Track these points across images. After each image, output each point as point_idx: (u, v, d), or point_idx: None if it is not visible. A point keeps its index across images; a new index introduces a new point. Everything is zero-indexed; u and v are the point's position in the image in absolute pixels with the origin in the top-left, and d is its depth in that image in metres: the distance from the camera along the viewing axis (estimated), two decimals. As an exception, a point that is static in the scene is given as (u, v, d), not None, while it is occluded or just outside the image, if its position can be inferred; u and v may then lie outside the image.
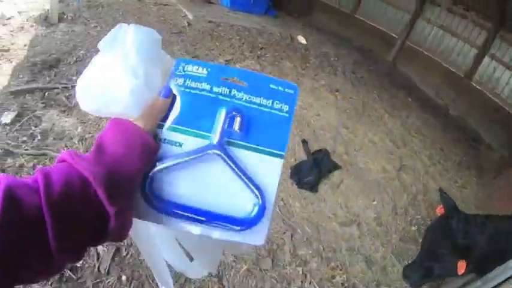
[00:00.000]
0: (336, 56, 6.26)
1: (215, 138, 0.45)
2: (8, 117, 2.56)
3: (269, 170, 0.47)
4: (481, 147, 5.36)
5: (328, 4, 8.92)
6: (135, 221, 0.44)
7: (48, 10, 4.23)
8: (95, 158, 0.39)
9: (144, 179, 0.44)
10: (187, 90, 0.47)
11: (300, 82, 4.53)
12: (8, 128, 2.50)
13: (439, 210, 2.33)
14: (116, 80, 0.43)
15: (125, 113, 0.44)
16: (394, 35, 7.72)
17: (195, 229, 0.45)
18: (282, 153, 0.47)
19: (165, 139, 0.46)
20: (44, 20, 4.19)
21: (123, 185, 0.39)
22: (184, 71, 0.48)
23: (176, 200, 0.45)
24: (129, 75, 0.44)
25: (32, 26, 3.99)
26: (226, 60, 4.38)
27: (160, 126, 0.46)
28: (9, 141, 2.40)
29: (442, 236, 2.15)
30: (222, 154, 0.45)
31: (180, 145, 0.46)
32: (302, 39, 6.40)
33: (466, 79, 6.42)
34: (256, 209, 0.46)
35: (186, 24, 5.56)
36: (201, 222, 0.45)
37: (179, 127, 0.46)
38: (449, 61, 6.82)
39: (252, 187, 0.45)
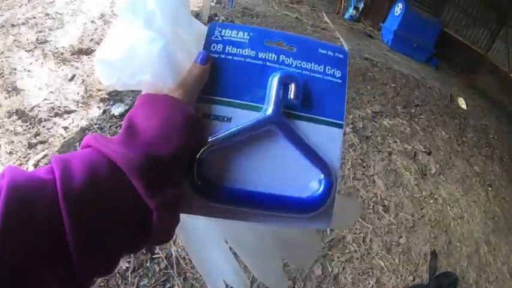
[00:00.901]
0: (496, 133, 5.32)
1: (270, 109, 0.42)
2: (118, 110, 2.44)
3: (330, 142, 0.43)
4: None
5: (498, 66, 7.77)
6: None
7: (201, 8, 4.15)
8: (125, 139, 0.32)
9: (191, 163, 0.38)
10: (229, 57, 0.43)
11: (452, 163, 3.82)
12: (115, 120, 2.39)
13: None
14: (140, 42, 0.36)
15: (155, 82, 0.38)
16: None
17: (257, 219, 0.40)
18: (341, 122, 0.44)
19: (209, 114, 0.41)
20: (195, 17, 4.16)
21: (165, 170, 0.32)
22: (222, 37, 0.43)
23: (230, 184, 0.40)
24: (155, 34, 0.37)
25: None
26: (374, 112, 3.90)
27: (203, 100, 0.41)
28: (113, 134, 2.26)
29: None
30: (280, 127, 0.41)
31: (229, 120, 0.41)
32: (462, 103, 5.54)
33: None
34: (322, 187, 0.42)
35: (338, 56, 5.18)
36: (264, 208, 0.40)
37: (225, 99, 0.42)
38: None
39: (317, 160, 0.42)
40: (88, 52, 2.92)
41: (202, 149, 0.39)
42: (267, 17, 5.32)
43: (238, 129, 0.40)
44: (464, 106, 5.52)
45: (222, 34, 0.43)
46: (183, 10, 0.41)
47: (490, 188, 3.89)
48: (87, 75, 2.65)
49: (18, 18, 3.25)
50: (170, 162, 0.33)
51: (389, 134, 3.63)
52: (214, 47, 0.43)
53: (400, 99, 4.56)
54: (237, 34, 0.43)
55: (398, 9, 6.79)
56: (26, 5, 3.94)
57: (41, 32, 3.09)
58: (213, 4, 4.40)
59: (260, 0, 6.18)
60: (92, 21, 3.53)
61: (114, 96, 2.55)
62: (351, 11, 7.30)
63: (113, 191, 0.29)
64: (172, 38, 0.38)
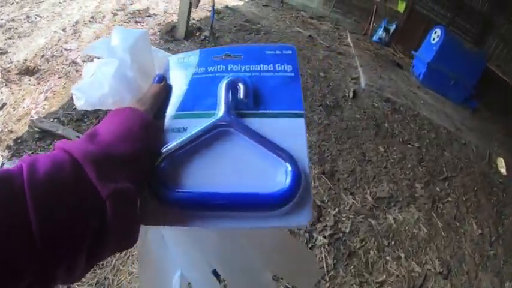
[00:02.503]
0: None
1: (220, 112, 0.42)
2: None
3: (293, 133, 0.41)
4: None
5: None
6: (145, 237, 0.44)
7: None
8: (86, 139, 0.35)
9: (154, 172, 0.38)
10: (182, 78, 0.46)
11: (484, 272, 2.55)
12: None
13: None
14: (100, 66, 0.43)
15: (115, 100, 0.42)
16: None
17: (222, 222, 0.37)
18: (301, 111, 0.42)
19: (168, 129, 0.42)
20: (169, 31, 3.71)
21: (119, 164, 0.34)
22: (176, 63, 0.47)
23: (193, 189, 0.38)
24: (113, 60, 0.43)
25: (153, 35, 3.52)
26: (377, 198, 2.73)
27: (162, 118, 0.43)
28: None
29: None
30: (234, 126, 0.41)
31: (185, 129, 0.42)
32: (502, 166, 4.30)
33: None
34: (289, 178, 0.38)
35: (348, 95, 3.95)
36: (227, 209, 0.37)
37: (180, 112, 0.43)
38: None
39: (279, 152, 0.39)
40: (33, 72, 2.83)
41: (160, 158, 0.39)
42: (271, 33, 4.32)
43: (191, 135, 0.40)
44: (504, 170, 4.32)
45: (177, 61, 0.48)
46: (143, 43, 0.45)
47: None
48: (14, 107, 2.50)
49: (1, 19, 3.29)
50: (124, 158, 0.35)
51: (393, 241, 2.42)
52: (171, 74, 0.47)
53: (423, 172, 3.31)
54: (188, 59, 0.47)
55: (435, 36, 5.46)
56: (16, 3, 3.66)
57: (10, 38, 3.11)
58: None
59: (271, 13, 5.20)
60: (63, 29, 3.42)
61: (19, 145, 2.21)
62: (380, 33, 6.15)
63: (73, 182, 0.30)
64: (130, 63, 0.43)
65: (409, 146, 3.59)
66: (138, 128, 0.37)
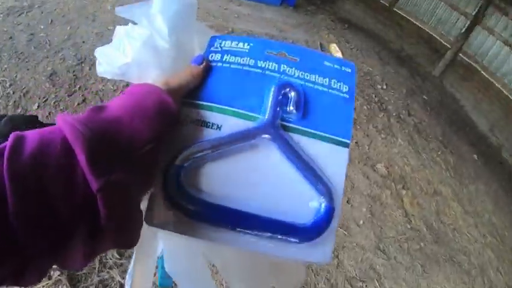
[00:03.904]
0: (383, 78, 4.35)
1: (265, 118, 0.37)
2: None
3: (334, 161, 0.37)
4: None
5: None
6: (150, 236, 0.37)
7: None
8: (89, 114, 0.29)
9: (169, 170, 0.33)
10: (226, 65, 0.39)
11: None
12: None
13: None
14: (129, 33, 0.37)
15: (142, 75, 0.37)
16: (443, 42, 5.91)
17: (238, 241, 0.34)
18: (347, 141, 0.38)
19: (198, 120, 0.36)
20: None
21: (117, 150, 0.28)
22: (221, 47, 0.41)
23: (214, 200, 0.34)
24: (145, 30, 0.37)
25: None
26: None
27: (193, 106, 0.37)
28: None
29: None
30: (276, 138, 0.36)
31: (219, 127, 0.36)
32: (337, 51, 4.36)
33: None
34: (322, 212, 0.35)
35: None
36: (249, 231, 0.33)
37: (216, 105, 0.37)
38: (511, 89, 5.25)
39: (318, 182, 0.35)
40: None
41: (182, 155, 0.34)
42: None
43: (226, 137, 0.35)
44: (339, 54, 4.42)
45: (222, 45, 0.41)
46: (188, 16, 0.40)
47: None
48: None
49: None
50: (128, 145, 0.29)
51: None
52: (212, 56, 0.40)
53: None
54: (237, 44, 0.41)
55: None
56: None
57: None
58: None
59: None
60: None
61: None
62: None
63: (60, 167, 0.26)
64: (167, 34, 0.37)
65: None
66: (152, 109, 0.31)
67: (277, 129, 0.36)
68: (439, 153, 3.74)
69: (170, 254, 0.41)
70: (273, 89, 0.38)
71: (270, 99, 0.37)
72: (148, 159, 0.31)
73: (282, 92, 0.38)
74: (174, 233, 0.34)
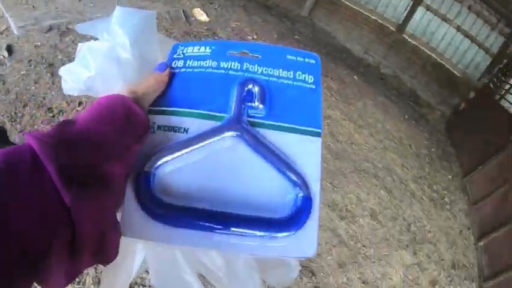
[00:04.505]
0: (252, 29, 4.38)
1: (231, 116, 0.36)
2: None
3: (307, 152, 0.36)
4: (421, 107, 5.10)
5: None
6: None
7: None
8: (56, 129, 0.29)
9: (139, 178, 0.33)
10: (189, 70, 0.39)
11: None
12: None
13: None
14: (91, 46, 0.38)
15: (107, 87, 0.36)
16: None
17: (217, 243, 0.32)
18: (318, 130, 0.38)
19: (165, 126, 0.36)
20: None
21: (90, 162, 0.28)
22: (183, 54, 0.41)
23: (187, 203, 0.33)
24: (106, 42, 0.38)
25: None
26: None
27: (159, 112, 0.37)
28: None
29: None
30: (244, 135, 0.35)
31: (186, 131, 0.36)
32: (201, 14, 4.23)
33: (398, 33, 5.66)
34: (299, 204, 0.34)
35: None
36: (226, 231, 0.32)
37: (182, 109, 0.37)
38: (377, 13, 5.68)
39: (291, 174, 0.34)
40: None
41: (151, 161, 0.33)
42: None
43: (193, 137, 0.35)
44: (205, 17, 4.36)
45: (184, 52, 0.41)
46: (148, 26, 0.40)
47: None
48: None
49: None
50: (96, 154, 0.28)
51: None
52: (175, 63, 0.40)
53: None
54: (199, 49, 0.41)
55: None
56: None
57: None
58: None
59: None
60: None
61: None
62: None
63: (31, 181, 0.25)
64: (128, 46, 0.37)
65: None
66: (121, 118, 0.31)
67: (244, 125, 0.36)
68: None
69: (154, 267, 0.39)
70: (236, 87, 0.38)
71: (234, 96, 0.37)
72: (120, 168, 0.30)
73: (245, 88, 0.38)
74: (152, 242, 0.34)
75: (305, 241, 0.34)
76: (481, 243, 3.26)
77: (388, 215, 2.87)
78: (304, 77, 0.40)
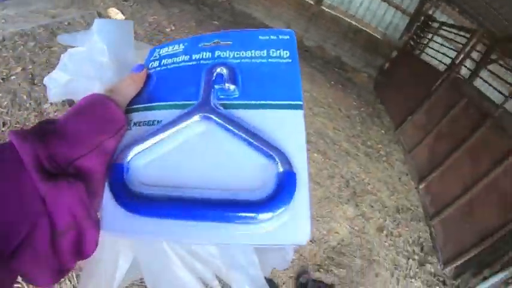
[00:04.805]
0: (169, 21, 4.20)
1: (200, 99, 0.35)
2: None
3: (288, 127, 0.33)
4: (347, 72, 5.19)
5: None
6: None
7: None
8: (36, 126, 0.30)
9: (113, 171, 0.32)
10: (164, 68, 0.40)
11: None
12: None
13: None
14: (71, 53, 0.40)
15: (87, 89, 0.36)
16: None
17: (198, 234, 0.30)
18: (299, 102, 0.35)
19: (140, 121, 0.36)
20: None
21: (67, 155, 0.29)
22: (159, 55, 0.41)
23: (162, 192, 0.31)
24: (85, 49, 0.40)
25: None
26: None
27: (135, 110, 0.37)
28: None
29: None
30: (213, 115, 0.33)
31: (159, 122, 0.35)
32: (116, 13, 3.88)
33: (317, 5, 5.81)
34: (279, 181, 0.30)
35: None
36: (205, 219, 0.30)
37: (155, 104, 0.36)
38: None
39: (268, 150, 0.31)
40: None
41: (123, 153, 0.33)
42: None
43: (163, 125, 0.34)
44: (120, 15, 4.08)
45: (160, 53, 0.41)
46: (125, 34, 0.41)
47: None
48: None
49: None
50: (73, 149, 0.29)
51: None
52: (152, 65, 0.41)
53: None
54: (173, 48, 0.41)
55: None
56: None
57: None
58: None
59: None
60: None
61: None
62: None
63: (10, 175, 0.26)
64: (105, 50, 0.39)
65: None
66: (98, 115, 0.32)
67: (212, 107, 0.34)
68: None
69: (146, 267, 0.35)
70: (203, 73, 0.37)
71: (203, 82, 0.36)
72: (96, 162, 0.31)
73: (214, 73, 0.36)
74: (132, 237, 0.33)
75: (294, 225, 0.30)
76: (421, 186, 3.32)
77: (324, 175, 2.80)
78: (279, 53, 0.39)
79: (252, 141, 0.32)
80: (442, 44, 4.87)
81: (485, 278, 2.33)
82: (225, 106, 0.35)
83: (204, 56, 0.39)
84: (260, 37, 0.40)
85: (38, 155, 0.27)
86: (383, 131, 4.15)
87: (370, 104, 4.71)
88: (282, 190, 0.30)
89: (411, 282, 2.40)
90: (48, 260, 0.27)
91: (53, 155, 0.28)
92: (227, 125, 0.33)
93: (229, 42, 0.40)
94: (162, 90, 0.38)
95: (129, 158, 0.33)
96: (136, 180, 0.32)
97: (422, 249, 2.72)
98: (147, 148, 0.33)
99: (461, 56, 3.75)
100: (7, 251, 0.25)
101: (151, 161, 0.33)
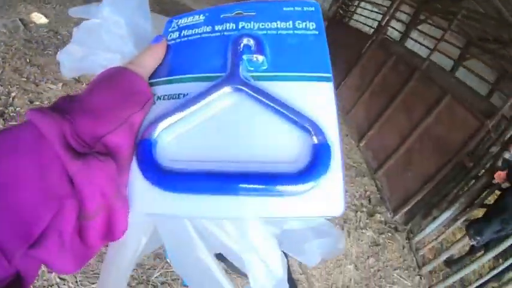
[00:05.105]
0: None
1: (228, 70, 0.33)
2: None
3: (319, 99, 0.32)
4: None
5: None
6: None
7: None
8: (58, 103, 0.28)
9: (139, 145, 0.30)
10: (185, 39, 0.37)
11: None
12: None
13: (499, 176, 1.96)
14: (87, 24, 0.38)
15: (104, 62, 0.36)
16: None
17: (228, 209, 0.29)
18: (328, 75, 0.33)
19: (165, 95, 0.34)
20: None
21: (93, 132, 0.27)
22: (178, 26, 0.39)
23: (192, 167, 0.29)
24: (101, 21, 0.37)
25: None
26: None
27: (158, 83, 0.35)
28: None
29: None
30: (244, 86, 0.32)
31: (185, 96, 0.33)
32: (39, 17, 3.54)
33: None
34: (316, 151, 0.29)
35: None
36: (234, 192, 0.28)
37: (179, 76, 0.35)
38: None
39: (302, 121, 0.30)
40: None
41: (151, 128, 0.31)
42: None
43: (189, 99, 0.32)
44: (43, 19, 3.61)
45: (179, 24, 0.39)
46: (140, 7, 0.40)
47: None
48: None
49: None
50: (100, 124, 0.27)
51: None
52: (171, 36, 0.39)
53: None
54: (193, 18, 0.39)
55: None
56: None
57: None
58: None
59: None
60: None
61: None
62: None
63: (33, 154, 0.24)
64: (122, 23, 0.37)
65: None
66: (123, 88, 0.30)
67: (242, 78, 0.32)
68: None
69: (169, 243, 0.34)
70: (230, 44, 0.35)
71: (230, 53, 0.34)
72: (124, 138, 0.29)
73: (241, 43, 0.34)
74: (159, 215, 0.31)
75: (329, 196, 0.29)
76: (362, 144, 3.41)
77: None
78: (305, 25, 0.37)
79: (286, 113, 0.31)
80: (371, 10, 5.05)
81: (434, 218, 2.44)
82: (254, 78, 0.34)
83: (227, 27, 0.37)
84: (285, 8, 0.38)
85: (63, 133, 0.25)
86: (321, 97, 4.21)
87: (305, 72, 4.79)
88: (319, 162, 0.29)
89: (362, 233, 2.44)
90: (75, 246, 0.26)
91: (79, 132, 0.26)
92: (259, 97, 0.32)
93: (252, 13, 0.38)
94: (185, 62, 0.36)
95: (156, 133, 0.31)
96: (167, 157, 0.31)
97: (370, 202, 2.79)
98: (175, 122, 0.32)
99: (387, 17, 3.89)
100: (31, 239, 0.23)
101: (180, 135, 0.32)
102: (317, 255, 0.39)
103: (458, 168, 2.47)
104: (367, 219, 2.58)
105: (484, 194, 2.23)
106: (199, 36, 0.37)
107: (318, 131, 0.31)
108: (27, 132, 0.25)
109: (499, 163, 2.09)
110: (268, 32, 0.37)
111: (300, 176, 0.29)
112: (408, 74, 3.24)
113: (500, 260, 2.04)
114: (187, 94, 0.33)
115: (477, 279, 2.10)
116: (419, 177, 2.68)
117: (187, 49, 0.37)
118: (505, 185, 2.03)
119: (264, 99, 0.32)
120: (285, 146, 0.31)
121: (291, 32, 0.37)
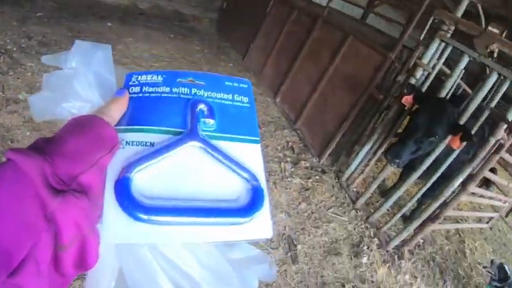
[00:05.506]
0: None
1: (189, 129, 0.40)
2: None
3: (252, 156, 0.42)
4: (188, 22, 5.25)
5: None
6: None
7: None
8: (37, 144, 0.31)
9: (120, 182, 0.35)
10: (146, 95, 0.43)
11: None
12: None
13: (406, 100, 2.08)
14: (59, 75, 0.40)
15: (73, 110, 0.39)
16: None
17: (193, 235, 0.36)
18: (257, 138, 0.44)
19: (132, 141, 0.39)
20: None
21: (68, 171, 0.29)
22: (138, 81, 0.44)
23: (162, 203, 0.35)
24: (72, 72, 0.40)
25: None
26: None
27: (125, 130, 0.39)
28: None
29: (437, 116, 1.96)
30: (201, 142, 0.39)
31: (152, 144, 0.39)
32: None
33: None
34: (255, 192, 0.39)
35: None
36: (198, 223, 0.35)
37: (146, 127, 0.40)
38: None
39: (242, 172, 0.40)
40: None
41: (128, 168, 0.36)
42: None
43: (160, 148, 0.38)
44: None
45: (139, 79, 0.44)
46: (104, 58, 0.42)
47: None
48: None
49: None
50: (75, 165, 0.30)
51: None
52: (132, 89, 0.43)
53: None
54: (152, 77, 0.44)
55: None
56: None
57: None
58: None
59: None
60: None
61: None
62: None
63: (14, 193, 0.26)
64: (88, 74, 0.40)
65: None
66: (93, 131, 0.34)
67: (200, 137, 0.39)
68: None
69: (130, 276, 0.37)
70: (190, 106, 0.42)
71: (189, 114, 0.41)
72: (95, 177, 0.32)
73: (197, 108, 0.41)
74: (136, 243, 0.35)
75: (262, 224, 0.38)
76: (278, 99, 3.35)
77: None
78: (241, 98, 0.46)
79: (230, 165, 0.39)
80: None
81: (358, 154, 2.44)
82: (206, 136, 0.40)
83: (183, 91, 0.43)
84: (226, 83, 0.46)
85: (44, 172, 0.27)
86: (231, 64, 4.08)
87: (214, 44, 4.61)
88: (256, 200, 0.38)
89: (289, 181, 2.37)
90: (51, 275, 0.27)
91: (57, 172, 0.28)
92: (211, 152, 0.39)
93: (203, 83, 0.45)
94: (149, 115, 0.41)
95: (133, 172, 0.35)
96: (140, 193, 0.35)
97: (293, 152, 2.72)
98: (148, 166, 0.36)
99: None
100: (10, 268, 0.24)
101: (151, 177, 0.37)
102: (255, 280, 0.41)
103: (370, 102, 2.50)
104: (292, 168, 2.51)
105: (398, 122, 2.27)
106: (159, 94, 0.42)
107: (254, 178, 0.40)
108: (7, 170, 0.26)
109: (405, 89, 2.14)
110: (215, 100, 0.44)
111: (243, 211, 0.37)
112: (311, 24, 3.22)
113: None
114: (153, 143, 0.38)
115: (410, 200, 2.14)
116: (336, 118, 2.68)
117: (149, 104, 0.41)
118: (415, 108, 2.08)
119: (215, 154, 0.39)
120: (230, 188, 0.39)
121: (230, 103, 0.45)
